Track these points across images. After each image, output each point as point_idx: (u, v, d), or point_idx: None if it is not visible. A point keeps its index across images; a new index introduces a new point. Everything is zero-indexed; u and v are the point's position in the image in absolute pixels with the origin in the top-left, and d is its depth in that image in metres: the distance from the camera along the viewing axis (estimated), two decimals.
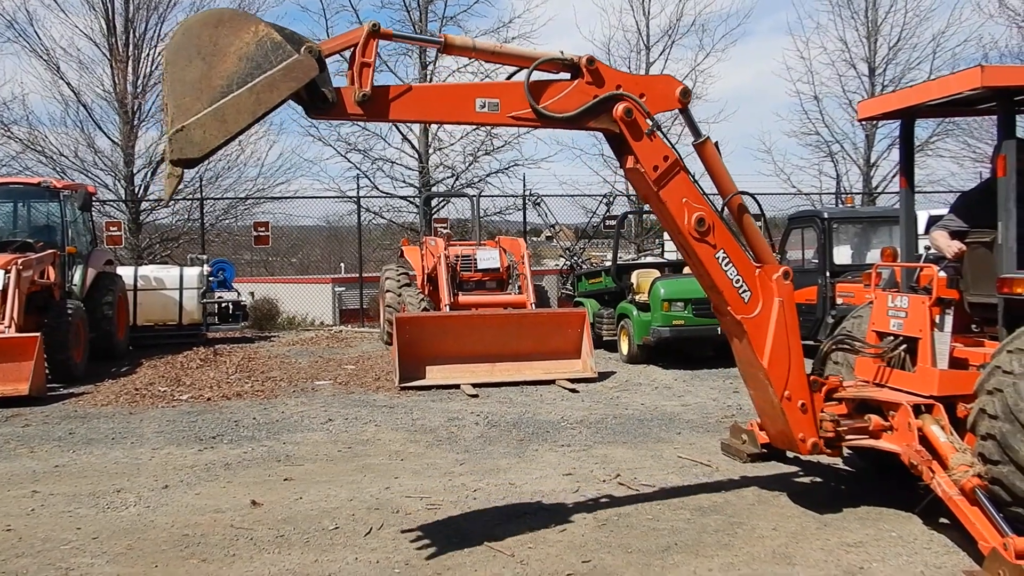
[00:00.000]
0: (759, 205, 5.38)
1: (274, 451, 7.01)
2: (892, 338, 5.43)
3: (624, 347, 11.81)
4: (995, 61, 21.06)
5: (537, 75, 4.52)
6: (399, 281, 13.83)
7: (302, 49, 3.93)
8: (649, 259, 15.59)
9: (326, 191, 19.03)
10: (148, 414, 8.62)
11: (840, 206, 15.20)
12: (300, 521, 5.24)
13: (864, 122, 7.33)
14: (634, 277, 12.03)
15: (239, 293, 15.15)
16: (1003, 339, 4.84)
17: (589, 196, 19.28)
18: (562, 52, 4.58)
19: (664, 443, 7.13)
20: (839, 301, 11.15)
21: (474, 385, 9.68)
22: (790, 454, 6.43)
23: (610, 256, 13.05)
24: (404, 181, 19.36)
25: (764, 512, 5.29)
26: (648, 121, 4.60)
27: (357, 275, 18.42)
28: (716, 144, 5.07)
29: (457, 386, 9.76)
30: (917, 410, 4.91)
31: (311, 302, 18.78)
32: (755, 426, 6.52)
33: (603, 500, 5.57)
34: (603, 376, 10.37)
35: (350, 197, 18.25)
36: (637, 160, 4.65)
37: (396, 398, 9.28)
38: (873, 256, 12.20)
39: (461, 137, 19.35)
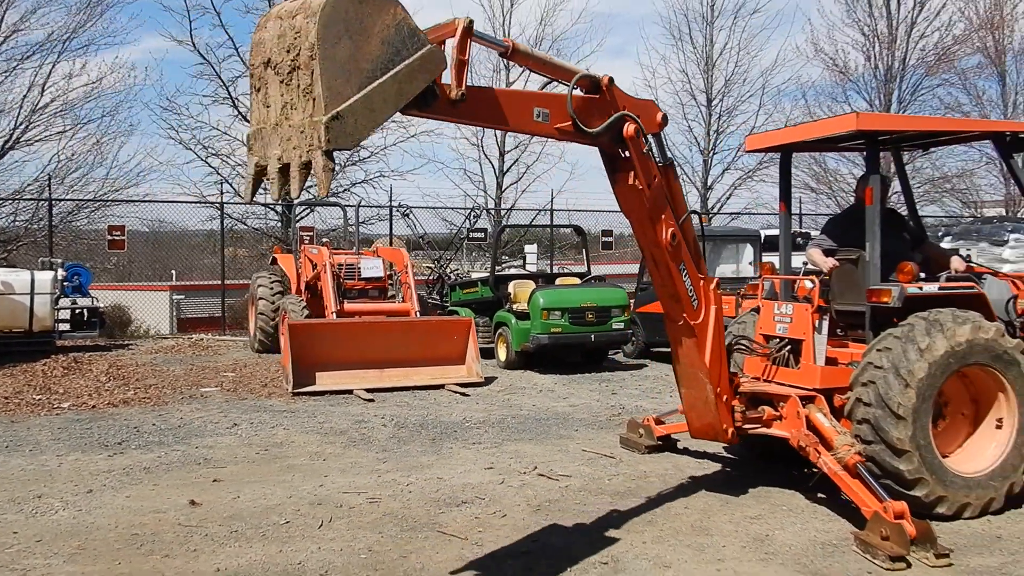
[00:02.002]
0: (701, 224, 5.97)
1: (189, 455, 6.99)
2: (778, 340, 6.31)
3: (502, 354, 12.38)
4: (812, 98, 23.59)
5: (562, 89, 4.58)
6: (272, 289, 13.75)
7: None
8: (512, 270, 16.36)
9: (185, 195, 18.32)
10: (33, 422, 8.24)
11: (697, 224, 16.49)
12: (247, 517, 5.39)
13: (751, 152, 8.29)
14: (511, 287, 12.65)
15: (95, 299, 14.42)
16: (869, 341, 5.80)
17: (454, 209, 19.85)
18: (588, 69, 4.71)
19: (566, 439, 7.74)
20: None
21: (367, 390, 9.90)
22: (680, 446, 7.24)
23: (472, 267, 13.64)
24: (265, 188, 19.00)
25: (672, 494, 5.98)
26: (644, 141, 4.89)
27: (200, 283, 18.00)
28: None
29: (349, 392, 9.95)
30: (804, 401, 5.77)
31: (145, 310, 18.00)
32: (651, 421, 7.28)
33: (529, 490, 6.08)
34: (488, 381, 10.88)
35: (212, 203, 17.77)
36: (637, 177, 4.86)
37: (292, 403, 9.36)
38: (721, 271, 13.51)
39: None
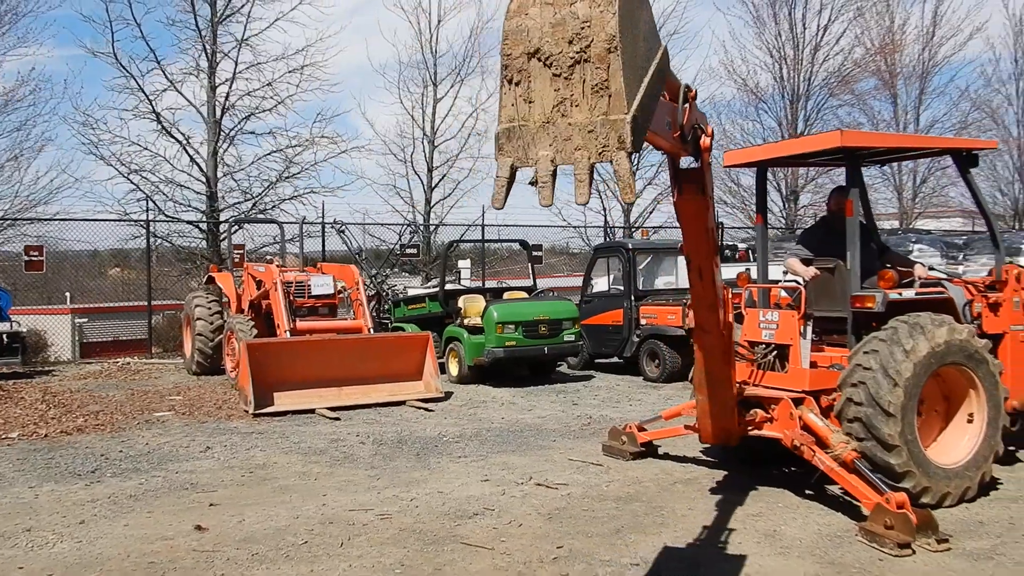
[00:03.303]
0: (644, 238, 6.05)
1: (173, 481, 6.76)
2: (764, 346, 6.63)
3: (454, 368, 12.42)
4: (726, 117, 24.58)
5: None
6: (210, 309, 13.37)
7: None
8: (448, 286, 16.40)
9: (105, 213, 17.53)
10: None
11: (639, 238, 17.06)
12: (263, 540, 5.28)
13: (728, 167, 8.59)
14: (461, 302, 12.71)
15: (16, 323, 13.67)
16: (851, 345, 6.19)
17: (386, 225, 19.74)
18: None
19: (548, 449, 7.86)
20: (643, 322, 12.65)
21: (330, 409, 9.77)
22: (661, 451, 7.48)
23: (420, 283, 13.62)
24: (189, 205, 18.50)
25: (672, 498, 6.19)
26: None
27: (107, 305, 17.29)
28: None
29: (311, 411, 9.79)
30: (795, 403, 6.09)
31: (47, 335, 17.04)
32: (634, 428, 7.50)
33: (533, 499, 6.17)
34: (446, 396, 10.89)
35: (136, 221, 17.13)
36: (705, 188, 4.63)
37: (257, 424, 9.15)
38: (663, 282, 13.97)
39: (253, 162, 18.93)
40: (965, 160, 6.82)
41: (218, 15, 18.14)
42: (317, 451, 7.82)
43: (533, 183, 2.95)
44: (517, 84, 3.05)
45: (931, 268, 7.23)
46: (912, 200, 28.72)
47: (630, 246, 13.10)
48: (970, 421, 6.09)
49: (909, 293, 6.21)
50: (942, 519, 5.41)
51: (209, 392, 11.38)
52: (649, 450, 7.42)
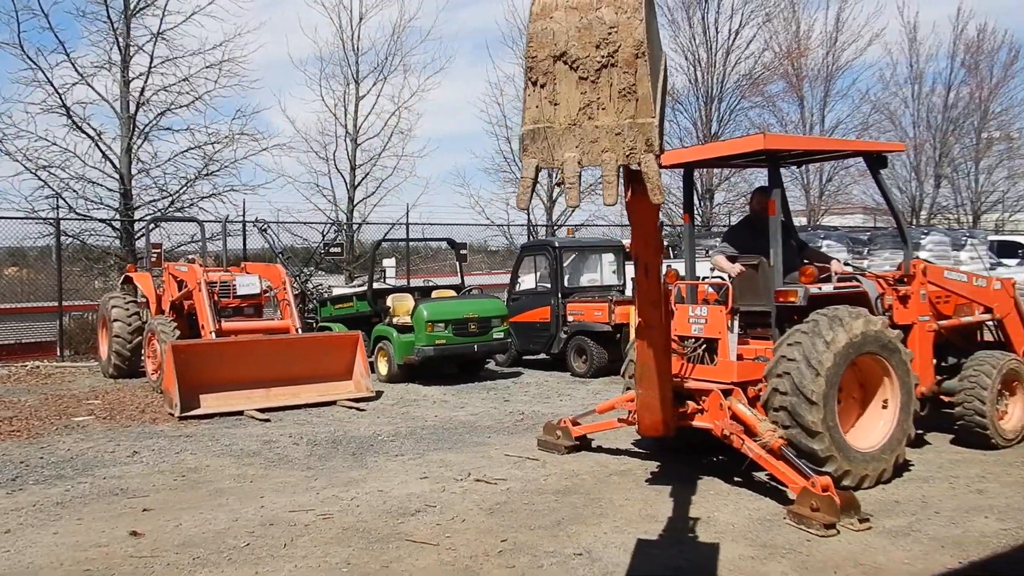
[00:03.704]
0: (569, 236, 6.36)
1: (101, 487, 6.57)
2: (694, 340, 6.87)
3: (383, 367, 12.38)
4: None
5: None
6: (128, 310, 12.97)
7: None
8: (355, 287, 16.35)
9: (11, 210, 16.68)
10: None
11: (565, 236, 17.28)
12: (202, 543, 5.21)
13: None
14: (390, 301, 12.68)
15: None
16: (775, 338, 6.49)
17: (309, 224, 19.44)
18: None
19: (483, 446, 7.95)
20: (570, 319, 12.87)
21: (259, 410, 9.63)
22: (595, 445, 7.66)
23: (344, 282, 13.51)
24: (102, 203, 17.81)
25: (609, 489, 6.36)
26: None
27: (13, 306, 16.54)
28: None
29: (240, 413, 9.63)
30: (725, 394, 6.35)
31: None
32: (568, 423, 7.65)
33: (474, 495, 6.25)
34: (377, 395, 10.85)
35: (45, 219, 16.39)
36: (654, 189, 4.82)
37: (184, 428, 8.94)
38: (587, 279, 14.23)
39: (170, 159, 18.37)
40: (875, 162, 7.22)
41: (131, 8, 17.52)
42: (250, 453, 7.71)
43: (559, 184, 3.00)
44: (542, 86, 3.06)
45: (846, 263, 7.62)
46: (819, 198, 29.94)
47: (557, 244, 13.30)
48: (885, 407, 6.46)
49: (828, 287, 6.54)
50: (862, 500, 5.70)
51: (129, 395, 11.05)
52: (583, 444, 7.59)
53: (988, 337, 8.26)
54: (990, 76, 32.97)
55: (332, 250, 18.10)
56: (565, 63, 3.02)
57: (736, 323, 6.66)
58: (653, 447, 7.56)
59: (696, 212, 26.33)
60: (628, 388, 7.41)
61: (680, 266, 7.63)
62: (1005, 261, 22.79)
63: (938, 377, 7.46)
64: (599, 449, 7.60)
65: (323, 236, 18.83)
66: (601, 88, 3.00)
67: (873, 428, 6.43)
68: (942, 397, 7.47)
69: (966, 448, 7.32)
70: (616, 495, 6.18)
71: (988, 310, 7.88)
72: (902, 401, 6.40)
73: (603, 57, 2.99)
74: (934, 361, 7.42)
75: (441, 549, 5.07)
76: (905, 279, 7.25)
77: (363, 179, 21.96)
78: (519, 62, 24.34)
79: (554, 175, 21.31)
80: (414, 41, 29.62)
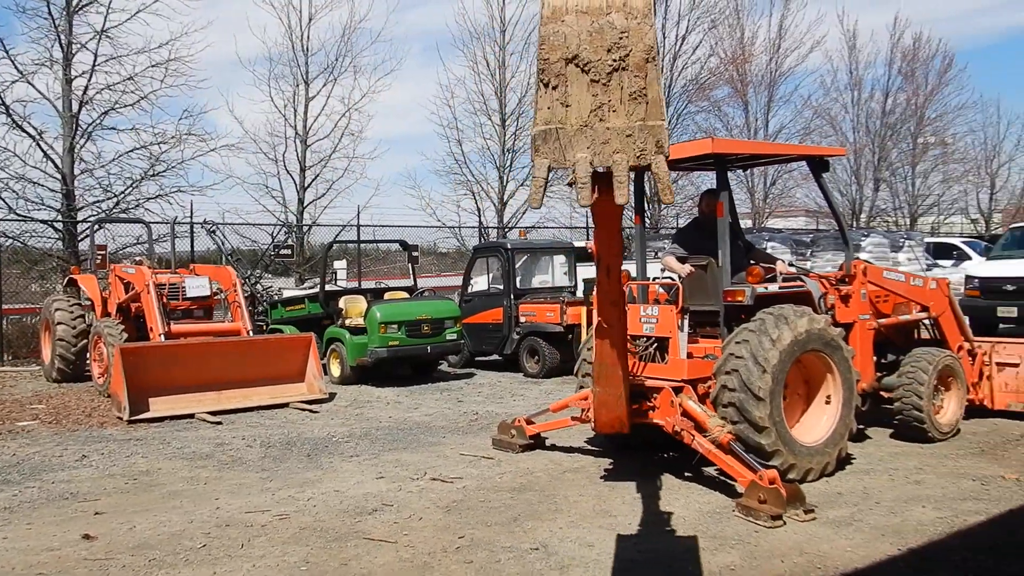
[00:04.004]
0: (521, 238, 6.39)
1: (50, 491, 6.46)
2: (645, 339, 7.03)
3: (335, 369, 12.33)
4: None
5: None
6: (72, 313, 12.70)
7: None
8: (306, 289, 16.25)
9: None
10: None
11: (517, 238, 17.36)
12: (158, 545, 5.18)
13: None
14: (343, 303, 12.63)
15: None
16: (724, 336, 6.68)
17: (259, 225, 19.21)
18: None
19: (438, 446, 8.01)
20: (522, 319, 12.98)
21: (211, 413, 9.54)
22: (548, 443, 7.77)
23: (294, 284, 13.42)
24: (43, 204, 17.36)
25: (563, 486, 6.48)
26: None
27: None
28: None
29: (191, 416, 9.52)
30: (675, 391, 6.51)
31: None
32: (522, 422, 7.75)
33: (430, 494, 6.30)
34: (330, 397, 10.82)
35: None
36: (621, 191, 4.94)
37: (134, 431, 8.81)
38: (539, 280, 14.36)
39: (114, 159, 17.98)
40: (818, 166, 7.48)
41: (74, 4, 17.12)
42: (203, 456, 7.64)
43: (571, 184, 3.06)
44: (554, 88, 3.11)
45: (790, 264, 7.87)
46: (763, 201, 30.60)
47: (509, 246, 13.41)
48: (828, 402, 6.69)
49: (774, 287, 6.76)
50: (807, 492, 5.91)
51: (75, 399, 10.83)
52: (537, 442, 7.70)
53: (924, 335, 8.60)
54: (925, 83, 34.15)
55: (282, 252, 17.94)
56: (577, 66, 3.09)
57: (686, 322, 6.83)
58: (605, 444, 7.69)
59: (646, 214, 26.74)
60: (581, 387, 7.54)
61: (631, 267, 7.78)
62: (940, 262, 23.61)
63: (878, 374, 7.75)
64: (553, 447, 7.71)
65: (273, 238, 18.64)
66: (612, 91, 3.06)
67: (817, 423, 6.66)
68: (882, 393, 7.76)
69: (904, 441, 7.61)
70: (570, 491, 6.29)
71: (925, 309, 8.21)
72: (844, 397, 6.64)
73: (614, 61, 3.07)
74: (874, 358, 7.70)
75: (399, 546, 5.13)
76: (847, 279, 7.52)
77: (313, 181, 21.82)
78: (470, 65, 24.49)
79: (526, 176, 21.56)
80: (364, 42, 29.43)
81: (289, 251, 18.38)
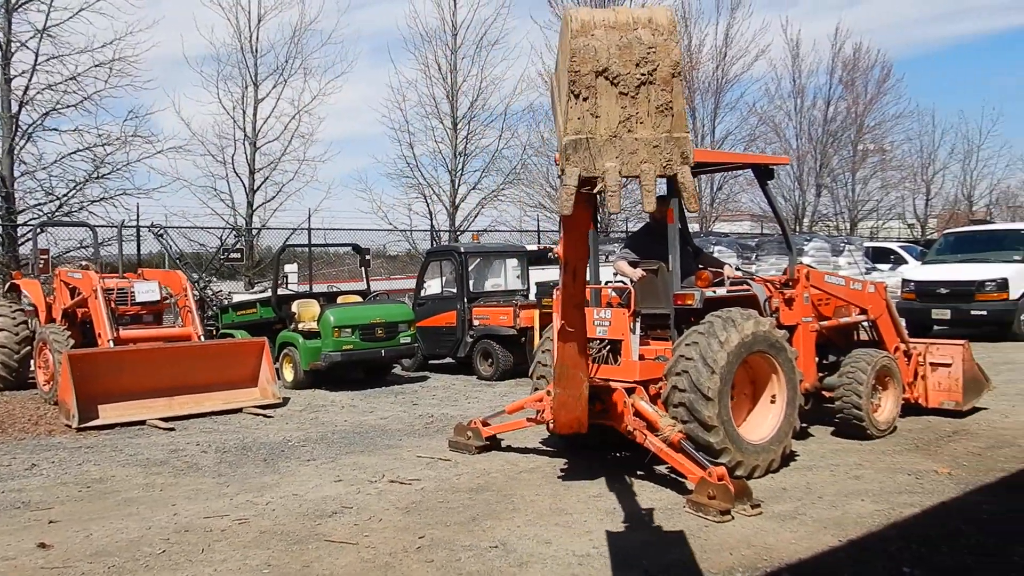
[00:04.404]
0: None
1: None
2: (599, 341, 7.21)
3: (289, 374, 12.29)
4: (544, 125, 25.66)
5: None
6: (15, 319, 12.43)
7: None
8: (256, 293, 16.14)
9: None
10: None
11: (470, 241, 17.44)
12: (116, 552, 5.18)
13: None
14: (295, 307, 12.60)
15: None
16: (674, 338, 6.90)
17: (207, 229, 18.98)
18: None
19: (395, 448, 8.08)
20: (476, 322, 13.11)
21: (163, 419, 9.46)
22: (504, 445, 7.91)
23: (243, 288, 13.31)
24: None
25: (519, 486, 6.62)
26: None
27: None
28: None
29: (142, 423, 9.43)
30: (628, 392, 6.70)
31: None
32: (478, 424, 7.87)
33: (389, 495, 6.39)
34: (284, 402, 10.80)
35: None
36: (593, 196, 5.08)
37: (84, 439, 8.69)
38: (491, 284, 14.50)
39: (56, 160, 17.59)
40: (763, 173, 7.76)
41: (13, 2, 16.74)
42: (157, 462, 7.60)
43: (600, 192, 3.23)
44: (585, 99, 3.22)
45: (737, 268, 8.14)
46: (710, 206, 31.22)
47: (463, 250, 13.53)
48: (773, 402, 6.96)
49: (721, 291, 7.01)
50: (753, 487, 6.13)
51: (20, 407, 10.60)
52: (493, 444, 7.83)
53: (863, 336, 8.95)
54: (865, 92, 35.22)
55: (232, 255, 17.76)
56: (607, 79, 3.21)
57: (638, 325, 7.04)
58: (560, 445, 7.85)
59: (598, 219, 27.08)
60: (536, 389, 7.70)
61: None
62: (879, 266, 24.42)
63: (820, 374, 8.07)
64: (508, 448, 7.85)
65: (222, 241, 18.44)
66: (640, 103, 3.21)
67: (763, 422, 6.91)
68: (823, 392, 8.08)
69: (845, 439, 7.93)
70: (527, 491, 6.44)
71: (863, 311, 8.56)
72: (788, 396, 6.92)
73: (642, 75, 3.22)
74: (816, 359, 8.01)
75: (360, 548, 5.21)
76: (790, 283, 7.81)
77: (263, 183, 21.62)
78: (421, 68, 24.53)
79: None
80: (315, 44, 29.12)
81: (239, 255, 18.20)
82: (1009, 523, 5.45)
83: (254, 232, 20.85)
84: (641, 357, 7.08)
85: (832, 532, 5.34)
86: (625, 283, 7.40)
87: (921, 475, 6.63)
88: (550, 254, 18.55)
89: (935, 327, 16.56)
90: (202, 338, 11.38)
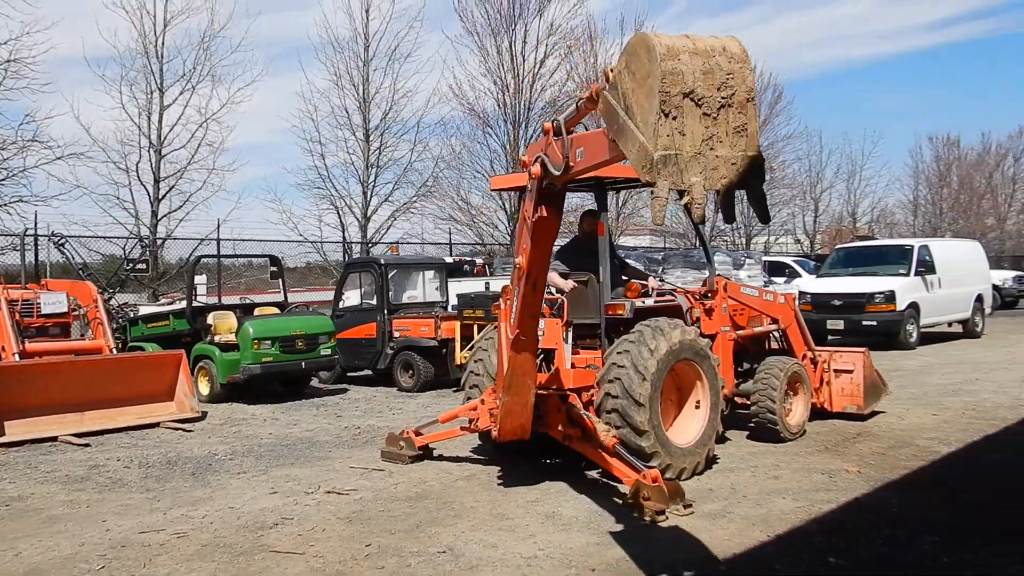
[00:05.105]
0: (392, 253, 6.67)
1: None
2: None
3: (204, 388, 12.00)
4: (456, 139, 25.85)
5: None
6: None
7: None
8: (163, 305, 15.71)
9: None
10: None
11: (389, 254, 17.37)
12: (50, 570, 5.03)
13: (495, 190, 9.15)
14: (211, 318, 12.32)
15: None
16: (605, 348, 7.16)
17: (110, 239, 18.23)
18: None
19: (326, 459, 8.05)
20: (396, 334, 13.12)
21: (76, 435, 9.11)
22: (436, 454, 7.99)
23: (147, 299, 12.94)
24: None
25: (458, 493, 6.73)
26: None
27: None
28: None
29: (53, 439, 9.06)
30: (562, 399, 6.92)
31: None
32: (411, 433, 7.94)
33: (328, 506, 6.39)
34: (203, 415, 10.55)
35: None
36: (560, 209, 5.51)
37: None
38: (408, 295, 14.53)
39: None
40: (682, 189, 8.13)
41: None
42: (77, 479, 7.34)
43: (688, 204, 3.56)
44: (673, 118, 3.52)
45: (661, 280, 8.50)
46: (616, 220, 32.03)
47: (383, 262, 13.53)
48: (697, 407, 7.31)
49: (650, 301, 7.33)
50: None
51: None
52: (426, 453, 7.90)
53: (774, 345, 9.47)
54: (759, 113, 36.80)
55: (138, 267, 17.15)
56: (692, 100, 3.54)
57: (570, 334, 7.27)
58: (491, 453, 7.99)
59: (505, 231, 27.38)
60: (469, 398, 7.81)
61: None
62: (775, 279, 25.61)
63: (736, 381, 8.50)
64: (441, 457, 7.93)
65: (125, 252, 17.77)
66: (720, 124, 3.58)
67: (688, 426, 7.25)
68: (737, 399, 8.52)
69: (760, 442, 8.37)
70: (466, 498, 6.55)
71: (775, 321, 9.07)
72: (712, 402, 7.28)
73: (722, 98, 3.59)
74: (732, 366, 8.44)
75: (308, 557, 5.22)
76: (709, 294, 8.22)
77: (168, 192, 20.92)
78: (332, 78, 24.30)
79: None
80: (224, 51, 28.29)
81: (144, 266, 17.58)
82: (916, 516, 5.91)
83: (159, 242, 20.16)
84: (574, 366, 7.32)
85: (760, 528, 5.67)
86: (553, 294, 7.62)
87: (834, 474, 7.09)
88: (465, 267, 18.77)
89: (829, 336, 17.53)
90: (114, 351, 11.01)
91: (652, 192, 3.54)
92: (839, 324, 17.47)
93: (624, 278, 7.97)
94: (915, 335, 17.44)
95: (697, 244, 34.53)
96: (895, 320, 17.01)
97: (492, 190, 9.09)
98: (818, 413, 9.33)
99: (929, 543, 5.28)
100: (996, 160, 55.81)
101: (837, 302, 17.55)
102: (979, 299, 19.61)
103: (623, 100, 3.75)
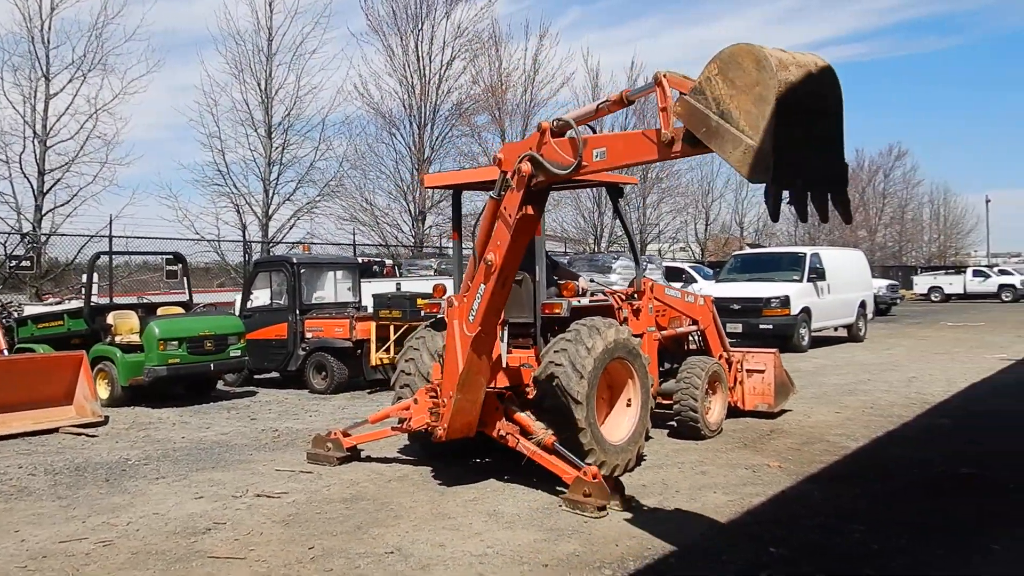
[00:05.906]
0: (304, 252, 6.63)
1: None
2: None
3: (104, 391, 11.35)
4: (360, 138, 25.46)
5: None
6: None
7: None
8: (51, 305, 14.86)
9: None
10: None
11: (301, 253, 16.86)
12: None
13: (430, 187, 8.98)
14: (111, 319, 11.69)
15: None
16: (542, 346, 7.21)
17: None
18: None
19: (249, 463, 7.77)
20: (309, 335, 12.79)
21: None
22: (364, 455, 7.84)
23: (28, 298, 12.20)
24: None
25: (393, 494, 6.62)
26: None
27: None
28: None
29: None
30: (499, 397, 6.91)
31: None
32: (339, 434, 7.76)
33: (261, 509, 6.17)
34: (105, 420, 9.99)
35: None
36: (543, 208, 5.80)
37: None
38: (317, 296, 14.20)
39: None
40: (616, 192, 8.31)
41: None
42: None
43: (790, 203, 3.99)
44: (783, 124, 3.82)
45: (592, 280, 8.63)
46: None
47: (295, 260, 13.17)
48: (629, 405, 7.45)
49: (585, 301, 7.43)
50: None
51: None
52: (354, 454, 7.73)
53: (692, 346, 9.76)
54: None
55: (22, 264, 16.07)
56: (797, 108, 3.87)
57: (506, 333, 7.28)
58: (419, 453, 7.88)
59: (409, 232, 27.20)
60: (400, 398, 7.69)
61: (448, 282, 8.12)
62: (672, 284, 26.40)
63: (659, 380, 8.71)
64: (369, 459, 7.78)
65: (6, 248, 16.64)
66: (814, 131, 3.99)
67: (620, 424, 7.37)
68: (659, 397, 8.73)
69: (681, 439, 8.60)
70: (403, 499, 6.46)
71: (695, 322, 9.35)
72: (643, 400, 7.43)
73: (818, 107, 4.00)
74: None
75: (251, 561, 5.03)
76: (636, 295, 8.39)
77: (53, 185, 19.72)
78: (232, 71, 23.52)
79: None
80: (118, 39, 26.78)
81: (28, 263, 16.49)
82: (839, 507, 6.21)
83: (43, 238, 18.95)
84: (506, 364, 7.33)
85: (697, 522, 5.84)
86: None
87: (757, 469, 7.36)
88: (375, 267, 18.52)
89: (728, 340, 18.16)
90: (6, 352, 10.29)
91: (766, 191, 3.91)
92: (738, 327, 18.10)
93: (556, 278, 8.04)
94: (807, 338, 18.32)
95: (596, 250, 35.32)
96: (789, 324, 17.82)
97: (427, 187, 8.99)
98: (731, 411, 9.66)
99: (857, 532, 5.56)
100: (868, 176, 59.48)
101: (736, 306, 18.21)
102: (863, 305, 20.79)
103: (716, 105, 4.04)
